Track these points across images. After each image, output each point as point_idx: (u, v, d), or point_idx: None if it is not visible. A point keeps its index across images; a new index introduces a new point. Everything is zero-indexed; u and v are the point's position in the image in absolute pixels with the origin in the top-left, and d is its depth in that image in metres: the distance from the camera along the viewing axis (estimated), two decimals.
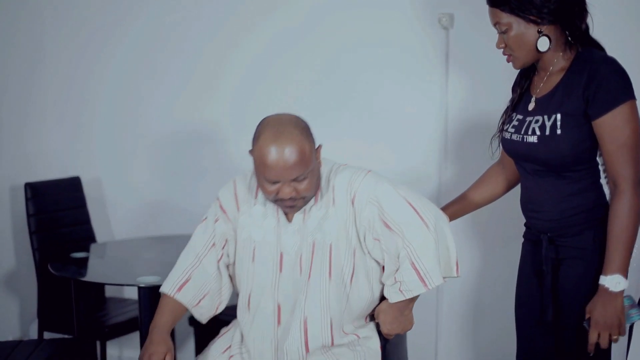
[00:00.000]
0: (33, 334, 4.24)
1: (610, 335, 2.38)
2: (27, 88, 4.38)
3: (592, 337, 2.39)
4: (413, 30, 3.69)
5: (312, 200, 2.55)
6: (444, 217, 2.59)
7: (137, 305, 3.14)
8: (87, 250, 3.81)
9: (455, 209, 2.91)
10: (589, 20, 2.48)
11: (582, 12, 2.46)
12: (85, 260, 3.61)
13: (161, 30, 4.21)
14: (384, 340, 2.67)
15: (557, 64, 2.50)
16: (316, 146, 2.52)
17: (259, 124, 2.49)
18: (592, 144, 2.44)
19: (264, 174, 2.42)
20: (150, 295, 3.06)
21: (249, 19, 4.02)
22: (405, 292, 2.49)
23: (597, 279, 2.43)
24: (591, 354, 2.43)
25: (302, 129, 2.47)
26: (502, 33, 2.49)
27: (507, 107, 2.68)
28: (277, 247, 2.59)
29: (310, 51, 3.91)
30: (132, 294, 4.14)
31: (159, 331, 2.60)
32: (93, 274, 3.54)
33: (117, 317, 3.85)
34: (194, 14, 4.14)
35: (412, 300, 2.55)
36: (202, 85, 4.17)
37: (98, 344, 3.73)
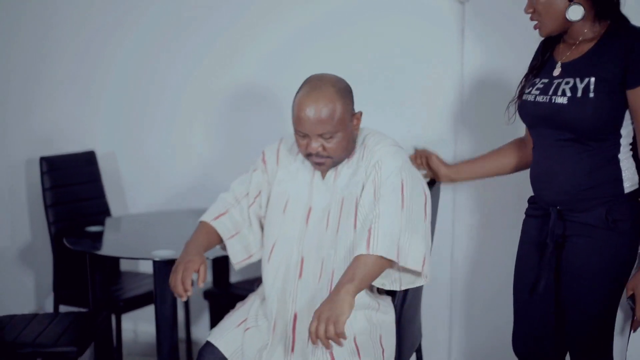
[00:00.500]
0: (49, 308, 4.26)
1: None
2: (41, 61, 4.37)
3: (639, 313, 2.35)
4: (429, 2, 3.66)
5: (345, 160, 2.65)
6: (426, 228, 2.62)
7: (152, 279, 3.14)
8: (102, 224, 3.82)
9: (461, 167, 2.92)
10: None
11: None
12: (100, 234, 3.62)
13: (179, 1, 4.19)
14: (399, 315, 2.67)
15: (587, 35, 2.47)
16: (356, 112, 2.64)
17: (302, 83, 2.62)
18: (620, 115, 2.41)
19: (295, 126, 2.56)
20: (165, 269, 3.05)
21: None
22: (371, 248, 2.47)
23: (606, 259, 2.42)
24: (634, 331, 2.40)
25: (340, 89, 2.58)
26: None
27: (527, 73, 2.65)
28: (307, 202, 2.69)
29: (326, 24, 3.88)
30: (147, 267, 4.15)
31: (195, 245, 2.70)
32: (108, 248, 3.55)
33: (132, 291, 3.86)
34: None
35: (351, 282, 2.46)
36: (221, 58, 4.14)
37: (113, 317, 3.74)
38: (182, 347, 4.04)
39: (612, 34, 2.42)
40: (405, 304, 2.74)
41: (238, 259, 2.81)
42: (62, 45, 4.41)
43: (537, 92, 2.54)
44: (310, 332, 2.32)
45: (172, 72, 4.25)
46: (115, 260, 4.12)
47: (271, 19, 3.99)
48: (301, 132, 2.56)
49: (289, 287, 2.64)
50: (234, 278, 4.02)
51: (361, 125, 2.74)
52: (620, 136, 2.45)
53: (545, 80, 2.54)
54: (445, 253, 3.70)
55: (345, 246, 2.59)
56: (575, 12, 2.43)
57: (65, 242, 3.43)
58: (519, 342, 2.76)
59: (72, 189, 4.05)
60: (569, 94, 2.43)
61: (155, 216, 4.04)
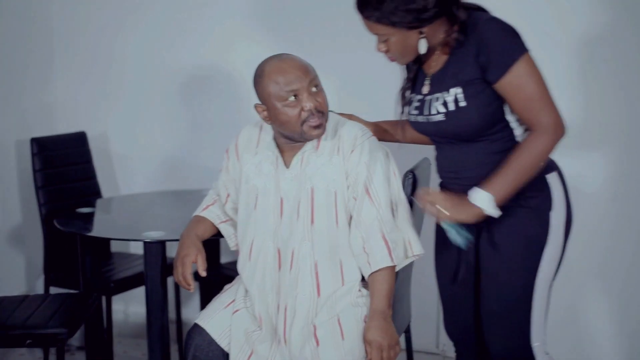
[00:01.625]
0: (39, 289, 4.26)
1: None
2: (31, 42, 4.35)
3: (426, 199, 2.40)
4: None
5: (311, 146, 2.62)
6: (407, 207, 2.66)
7: (143, 260, 3.15)
8: (93, 205, 3.81)
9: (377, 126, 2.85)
10: None
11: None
12: (91, 216, 3.61)
13: None
14: None
15: (444, 41, 2.45)
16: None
17: (258, 67, 2.61)
18: (498, 105, 2.42)
19: (281, 88, 2.52)
20: (156, 250, 3.06)
21: None
22: (372, 265, 2.54)
23: (520, 235, 2.45)
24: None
25: None
26: (382, 41, 2.44)
27: (402, 88, 2.63)
28: (277, 193, 2.65)
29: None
30: (138, 249, 4.15)
31: (188, 236, 2.74)
32: (99, 229, 3.54)
33: (123, 272, 3.87)
34: None
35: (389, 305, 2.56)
36: (213, 36, 4.15)
37: (104, 299, 3.75)
38: (172, 328, 4.05)
39: (466, 32, 2.39)
40: (395, 284, 2.75)
41: (234, 242, 2.83)
42: (54, 26, 4.40)
43: (416, 112, 2.55)
44: None
45: (164, 52, 4.25)
46: (106, 242, 4.12)
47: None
48: (290, 87, 2.51)
49: (269, 280, 2.64)
50: (224, 259, 4.03)
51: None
52: (509, 122, 2.46)
53: (420, 97, 2.54)
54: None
55: (326, 240, 2.60)
56: (423, 47, 2.42)
57: (56, 223, 3.42)
58: (449, 326, 2.79)
59: (63, 170, 4.04)
60: (442, 110, 2.44)
61: (146, 197, 4.04)
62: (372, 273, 2.54)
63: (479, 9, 2.48)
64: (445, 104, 2.44)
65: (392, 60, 2.51)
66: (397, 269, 2.60)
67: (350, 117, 2.78)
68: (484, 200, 2.36)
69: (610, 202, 3.59)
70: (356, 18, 2.45)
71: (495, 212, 2.38)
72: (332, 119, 2.67)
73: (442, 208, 2.37)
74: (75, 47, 4.42)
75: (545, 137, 2.34)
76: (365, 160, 2.57)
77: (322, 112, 2.55)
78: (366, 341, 2.47)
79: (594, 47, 3.49)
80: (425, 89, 2.52)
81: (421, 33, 2.40)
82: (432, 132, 2.56)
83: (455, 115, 2.43)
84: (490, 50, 2.34)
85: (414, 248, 2.63)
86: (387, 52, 2.47)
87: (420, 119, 2.54)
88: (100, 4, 4.33)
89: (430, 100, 2.49)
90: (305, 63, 2.57)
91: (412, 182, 2.71)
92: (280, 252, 2.64)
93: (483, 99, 2.40)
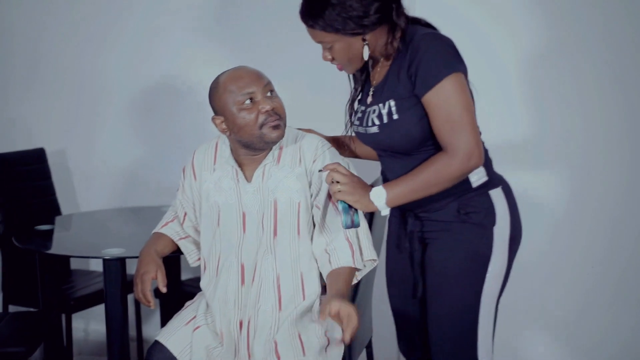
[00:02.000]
0: None
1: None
2: None
3: (332, 175, 2.38)
4: None
5: (272, 159, 2.62)
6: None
7: (103, 277, 3.13)
8: (52, 222, 3.78)
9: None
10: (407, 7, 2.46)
11: (398, 5, 2.43)
12: (50, 233, 3.59)
13: None
14: None
15: (387, 52, 2.47)
16: None
17: (212, 82, 2.63)
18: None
19: (237, 94, 2.53)
20: (116, 268, 3.04)
21: None
22: (332, 263, 2.55)
23: (464, 251, 2.46)
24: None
25: None
26: (327, 49, 2.47)
27: (350, 98, 2.66)
28: (239, 208, 2.64)
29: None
30: (97, 266, 4.13)
31: (148, 253, 2.73)
32: (58, 247, 3.51)
33: (83, 290, 3.84)
34: None
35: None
36: (171, 53, 4.15)
37: (63, 316, 3.72)
38: (132, 345, 4.02)
39: (404, 44, 2.42)
40: (357, 298, 2.76)
41: (194, 258, 2.84)
42: (12, 43, 4.38)
43: (358, 122, 2.57)
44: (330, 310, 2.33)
45: (122, 66, 4.24)
46: (65, 259, 4.09)
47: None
48: (246, 90, 2.52)
49: (231, 295, 2.64)
50: (184, 275, 4.02)
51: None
52: None
53: (362, 109, 2.56)
54: None
55: (288, 252, 2.61)
56: (366, 53, 2.44)
57: (14, 240, 3.39)
58: (400, 341, 2.81)
59: (22, 187, 4.01)
60: (377, 122, 2.46)
61: (106, 214, 4.02)
62: (331, 270, 2.55)
63: (426, 25, 2.50)
64: (380, 115, 2.45)
65: (340, 69, 2.53)
66: (358, 276, 2.62)
67: (309, 131, 2.80)
68: (378, 196, 2.37)
69: (564, 217, 3.64)
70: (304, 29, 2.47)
71: (384, 211, 2.39)
72: (292, 132, 2.69)
73: (341, 187, 2.37)
74: (34, 63, 4.39)
75: (455, 162, 2.31)
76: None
77: (279, 114, 2.56)
78: (333, 315, 2.35)
79: (547, 61, 3.54)
80: (369, 100, 2.54)
81: (364, 40, 2.42)
82: (370, 144, 2.57)
83: (388, 127, 2.43)
84: (421, 64, 2.33)
85: (366, 253, 2.60)
86: (332, 60, 2.49)
87: (360, 129, 2.56)
88: (58, 20, 4.32)
89: (369, 111, 2.50)
90: (259, 71, 2.60)
91: None
92: (244, 266, 2.63)
93: (414, 113, 2.38)
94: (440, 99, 2.31)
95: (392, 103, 2.42)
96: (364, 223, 2.63)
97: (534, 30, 3.53)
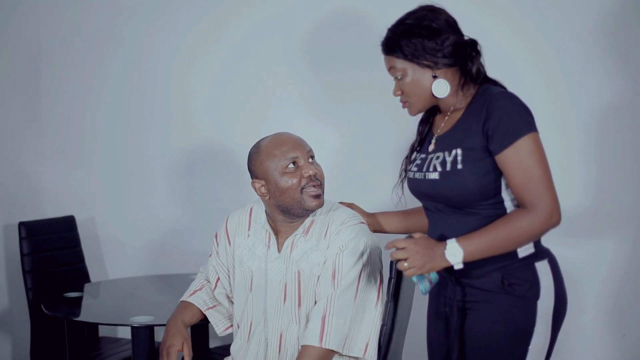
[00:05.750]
0: None
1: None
2: (23, 126, 4.40)
3: (394, 255, 2.35)
4: None
5: (302, 230, 2.63)
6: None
7: (131, 345, 3.13)
8: (80, 289, 3.80)
9: (378, 218, 2.87)
10: (484, 61, 2.49)
11: (476, 54, 2.46)
12: (79, 300, 3.60)
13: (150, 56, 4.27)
14: None
15: (458, 104, 2.49)
16: None
17: (251, 148, 2.66)
18: (495, 178, 2.39)
19: (281, 155, 2.57)
20: (144, 335, 3.04)
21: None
22: (300, 339, 2.57)
23: (505, 323, 2.40)
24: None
25: None
26: (397, 80, 2.50)
27: (407, 155, 2.67)
28: (265, 275, 2.66)
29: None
30: (125, 333, 4.12)
31: (174, 324, 2.72)
32: (86, 314, 3.52)
33: (111, 357, 3.83)
34: (189, 47, 4.21)
35: None
36: (201, 120, 4.20)
37: None
38: None
39: (478, 99, 2.44)
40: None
41: (221, 328, 2.83)
42: (44, 110, 4.45)
43: (416, 169, 2.56)
44: None
45: (153, 138, 4.28)
46: (93, 326, 4.09)
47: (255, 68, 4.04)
48: (290, 155, 2.56)
49: None
50: (212, 343, 4.00)
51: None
52: (503, 200, 2.43)
53: (423, 156, 2.56)
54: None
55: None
56: (441, 89, 2.46)
57: (43, 307, 3.40)
58: None
59: (51, 254, 4.04)
60: (439, 168, 2.45)
61: (134, 281, 4.02)
62: (301, 345, 2.54)
63: (499, 85, 2.52)
64: (444, 162, 2.44)
65: (405, 106, 2.55)
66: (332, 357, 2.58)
67: (350, 205, 2.81)
68: (454, 255, 2.33)
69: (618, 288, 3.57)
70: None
71: (458, 266, 2.35)
72: (327, 204, 2.70)
73: (408, 264, 2.33)
74: (64, 133, 4.46)
75: (538, 219, 2.31)
76: (343, 242, 2.57)
77: (320, 180, 2.60)
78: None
79: (606, 127, 3.51)
80: (431, 147, 2.54)
81: (434, 77, 2.45)
82: (424, 192, 2.54)
83: (450, 176, 2.42)
84: (499, 120, 2.34)
85: (348, 349, 2.57)
86: (401, 94, 2.52)
87: (417, 175, 2.54)
88: (88, 87, 4.39)
89: (432, 158, 2.50)
90: (300, 137, 2.64)
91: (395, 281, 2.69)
92: (268, 334, 2.64)
93: (481, 166, 2.38)
94: (521, 156, 2.32)
95: (459, 152, 2.42)
96: (369, 315, 2.62)
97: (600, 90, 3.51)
